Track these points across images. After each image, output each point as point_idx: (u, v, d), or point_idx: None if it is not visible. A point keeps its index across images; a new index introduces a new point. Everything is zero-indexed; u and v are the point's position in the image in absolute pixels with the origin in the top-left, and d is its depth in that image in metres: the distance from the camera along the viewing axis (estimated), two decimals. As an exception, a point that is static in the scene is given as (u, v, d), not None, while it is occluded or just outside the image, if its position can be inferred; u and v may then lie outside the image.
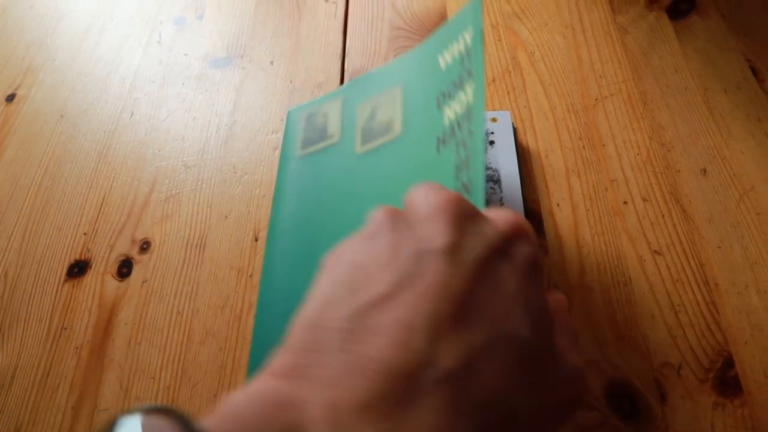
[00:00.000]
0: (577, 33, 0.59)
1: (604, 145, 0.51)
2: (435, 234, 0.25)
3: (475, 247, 0.25)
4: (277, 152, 0.55)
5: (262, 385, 0.22)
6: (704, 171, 0.49)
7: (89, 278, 0.50)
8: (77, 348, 0.46)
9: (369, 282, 0.24)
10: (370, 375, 0.21)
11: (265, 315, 0.43)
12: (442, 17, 0.64)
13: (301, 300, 0.42)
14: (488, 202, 0.46)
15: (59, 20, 0.71)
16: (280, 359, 0.23)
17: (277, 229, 0.46)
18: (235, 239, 0.50)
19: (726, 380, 0.40)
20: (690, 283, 0.44)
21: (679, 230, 0.46)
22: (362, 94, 0.49)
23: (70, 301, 0.49)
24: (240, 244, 0.50)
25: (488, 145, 0.49)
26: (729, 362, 0.41)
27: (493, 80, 0.57)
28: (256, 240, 0.50)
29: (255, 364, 0.41)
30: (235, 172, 0.54)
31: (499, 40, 0.60)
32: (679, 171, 0.49)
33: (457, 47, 0.40)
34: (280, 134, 0.56)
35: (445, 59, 0.42)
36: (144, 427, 0.18)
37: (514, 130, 0.51)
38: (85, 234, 0.52)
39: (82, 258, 0.51)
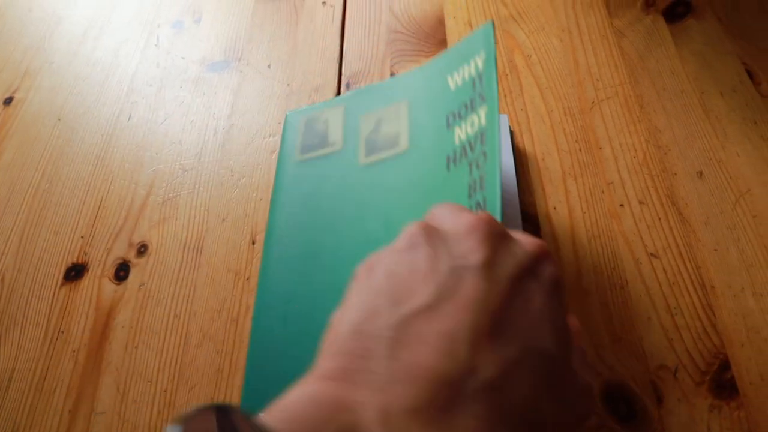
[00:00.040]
0: (573, 36, 0.60)
1: (600, 148, 0.52)
2: (470, 251, 0.27)
3: (507, 266, 0.27)
4: (275, 155, 0.55)
5: (315, 388, 0.23)
6: (700, 174, 0.49)
7: (86, 281, 0.50)
8: (74, 351, 0.47)
9: (410, 293, 0.25)
10: (417, 382, 0.22)
11: (262, 318, 0.43)
12: (440, 21, 0.64)
13: (298, 303, 0.42)
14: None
15: (57, 24, 0.71)
16: (326, 363, 0.24)
17: (275, 233, 0.46)
18: (232, 242, 0.50)
19: (722, 383, 0.40)
20: (686, 285, 0.44)
21: (676, 233, 0.47)
22: (365, 106, 0.49)
23: (67, 305, 0.49)
24: (237, 247, 0.50)
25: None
26: (725, 365, 0.41)
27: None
28: (254, 243, 0.50)
29: (252, 366, 0.41)
30: (233, 176, 0.54)
31: (496, 43, 0.60)
32: (675, 174, 0.49)
33: (468, 70, 0.42)
34: (278, 137, 0.56)
35: (454, 80, 0.43)
36: (210, 425, 0.19)
37: (511, 133, 0.51)
38: (82, 237, 0.52)
39: (80, 261, 0.51)
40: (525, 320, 0.25)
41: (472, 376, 0.22)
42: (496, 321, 0.24)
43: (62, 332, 0.48)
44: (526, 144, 0.53)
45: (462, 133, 0.40)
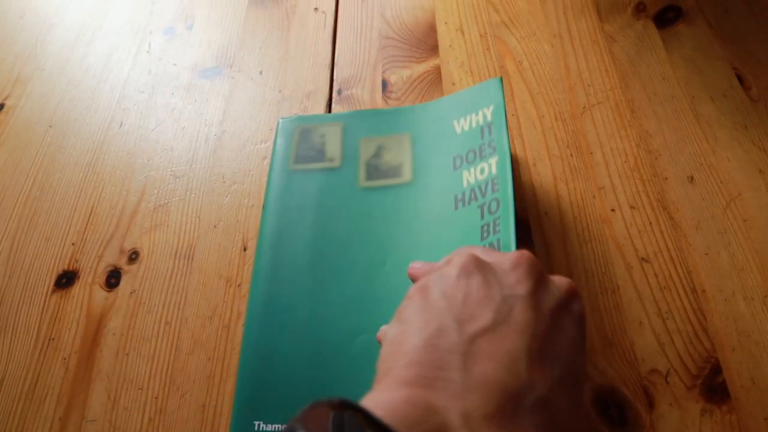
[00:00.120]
0: (564, 42, 0.60)
1: (591, 153, 0.52)
2: (517, 282, 0.31)
3: (549, 299, 0.31)
4: (266, 162, 0.55)
5: (404, 391, 0.26)
6: (691, 178, 0.49)
7: (77, 288, 0.50)
8: (65, 358, 0.46)
9: (473, 315, 0.29)
10: (488, 392, 0.25)
11: (254, 325, 0.43)
12: (431, 27, 0.64)
13: (291, 311, 0.42)
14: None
15: (48, 30, 0.71)
16: (403, 372, 0.27)
17: (268, 240, 0.46)
18: (223, 249, 0.50)
19: (713, 387, 0.40)
20: (677, 290, 0.44)
21: (667, 237, 0.47)
22: (365, 129, 0.51)
23: (58, 312, 0.49)
24: (228, 253, 0.50)
25: None
26: (716, 369, 0.41)
27: (482, 89, 0.57)
28: (245, 249, 0.50)
29: (244, 373, 0.41)
30: (224, 182, 0.54)
31: (488, 49, 0.60)
32: (666, 178, 0.49)
33: (476, 119, 0.46)
34: (269, 144, 0.56)
35: (461, 125, 0.47)
36: (333, 421, 0.21)
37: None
38: (73, 244, 0.52)
39: (71, 268, 0.51)
40: (562, 347, 0.29)
41: (530, 391, 0.26)
42: (542, 345, 0.28)
43: (53, 339, 0.47)
44: (518, 149, 0.53)
45: (471, 177, 0.44)
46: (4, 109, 0.63)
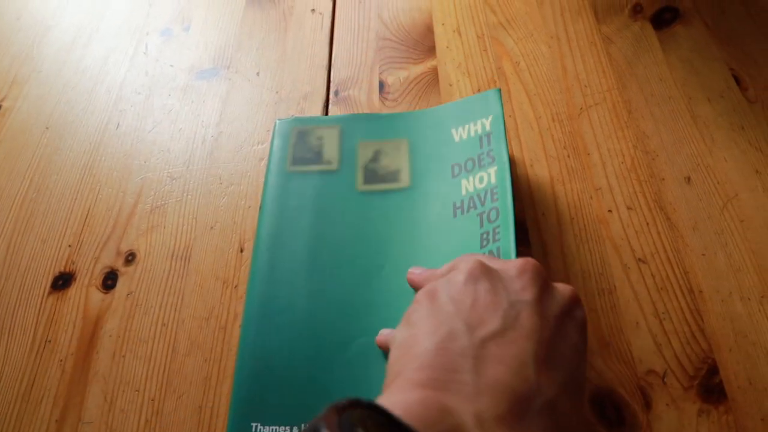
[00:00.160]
0: (562, 43, 0.60)
1: (588, 153, 0.52)
2: (523, 288, 0.32)
3: (553, 306, 0.32)
4: (263, 163, 0.55)
5: (418, 393, 0.26)
6: (688, 179, 0.49)
7: (74, 290, 0.50)
8: (61, 360, 0.46)
9: (482, 320, 0.30)
10: (499, 394, 0.26)
11: (251, 326, 0.42)
12: (429, 28, 0.64)
13: (288, 313, 0.42)
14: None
15: (45, 32, 0.71)
16: (416, 374, 0.28)
17: (265, 241, 0.46)
18: (220, 250, 0.50)
19: (710, 387, 0.40)
20: (674, 290, 0.44)
21: (664, 238, 0.47)
22: (362, 132, 0.51)
23: (54, 314, 0.49)
24: (225, 255, 0.50)
25: None
26: (713, 369, 0.41)
27: (479, 90, 0.57)
28: (242, 251, 0.50)
29: (241, 375, 0.41)
30: (221, 183, 0.54)
31: (485, 50, 0.61)
32: (663, 179, 0.49)
33: (474, 128, 0.47)
34: (266, 145, 0.56)
35: (459, 133, 0.48)
36: (354, 420, 0.22)
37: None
38: (69, 246, 0.52)
39: (67, 270, 0.51)
40: (566, 352, 0.30)
41: (538, 395, 0.27)
42: (547, 351, 0.29)
43: (49, 341, 0.47)
44: (515, 150, 0.53)
45: (470, 185, 0.44)
46: (1, 111, 0.63)
